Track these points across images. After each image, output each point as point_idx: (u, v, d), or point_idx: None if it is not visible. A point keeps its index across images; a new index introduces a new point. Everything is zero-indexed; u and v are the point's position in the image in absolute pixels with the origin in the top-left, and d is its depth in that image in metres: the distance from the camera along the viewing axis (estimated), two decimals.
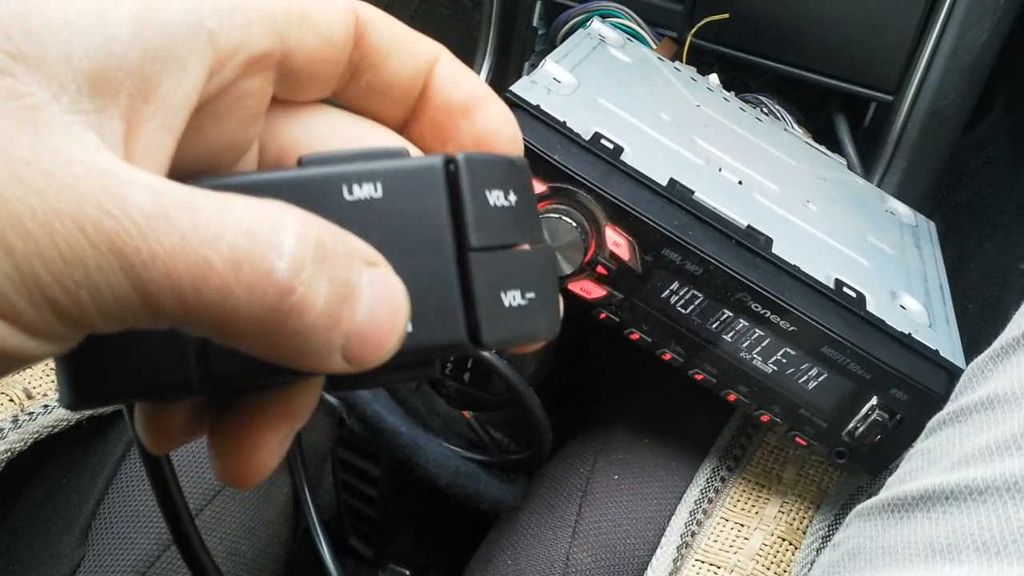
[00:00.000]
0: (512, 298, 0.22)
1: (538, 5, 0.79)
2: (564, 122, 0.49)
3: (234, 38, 0.21)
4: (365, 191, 0.21)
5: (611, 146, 0.49)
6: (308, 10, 0.23)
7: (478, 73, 0.80)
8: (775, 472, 0.51)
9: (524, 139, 0.47)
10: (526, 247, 0.23)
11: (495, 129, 0.25)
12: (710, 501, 0.50)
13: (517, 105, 0.48)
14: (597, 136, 0.49)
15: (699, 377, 0.49)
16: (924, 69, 0.66)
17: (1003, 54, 0.70)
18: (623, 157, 0.49)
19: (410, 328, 0.21)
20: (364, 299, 0.19)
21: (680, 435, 0.53)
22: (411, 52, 0.24)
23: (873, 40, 0.66)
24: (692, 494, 0.50)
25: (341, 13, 0.23)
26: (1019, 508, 0.27)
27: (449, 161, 0.22)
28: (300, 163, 0.22)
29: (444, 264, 0.21)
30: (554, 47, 0.73)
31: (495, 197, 0.22)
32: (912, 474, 0.34)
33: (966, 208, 1.10)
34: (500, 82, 0.81)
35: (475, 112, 0.25)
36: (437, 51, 0.25)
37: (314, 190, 0.21)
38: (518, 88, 0.50)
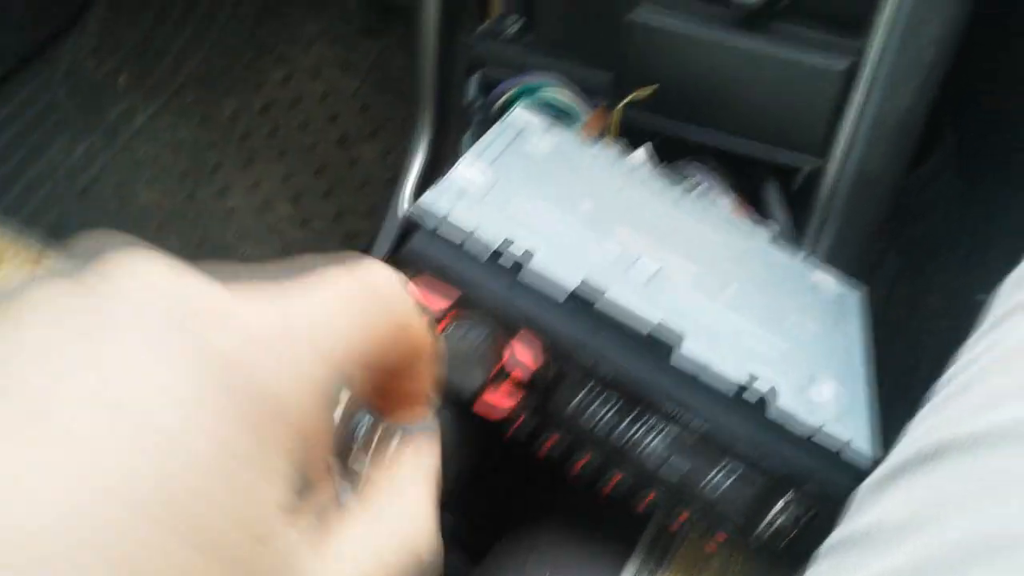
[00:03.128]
0: None
1: (474, 79, 0.80)
2: (471, 233, 0.50)
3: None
4: None
5: (519, 253, 0.50)
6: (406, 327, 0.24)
7: (416, 151, 0.81)
8: (698, 569, 0.52)
9: (426, 257, 0.48)
10: None
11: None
12: None
13: (420, 226, 0.49)
14: (506, 243, 0.50)
15: (615, 480, 0.50)
16: (850, 135, 0.66)
17: (950, 90, 0.71)
18: (532, 263, 0.49)
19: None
20: None
21: (607, 531, 0.54)
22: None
23: (797, 107, 0.67)
24: None
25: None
26: None
27: None
28: None
29: None
30: (493, 119, 0.74)
31: None
32: None
33: (921, 242, 1.11)
34: (440, 157, 0.82)
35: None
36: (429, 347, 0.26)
37: None
38: (426, 201, 0.51)
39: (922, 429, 0.39)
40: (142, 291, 0.20)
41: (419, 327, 0.25)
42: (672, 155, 0.73)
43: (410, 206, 0.80)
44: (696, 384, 0.48)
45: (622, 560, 0.52)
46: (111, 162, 1.40)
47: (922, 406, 0.42)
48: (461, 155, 0.76)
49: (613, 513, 0.55)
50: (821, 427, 0.48)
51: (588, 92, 0.73)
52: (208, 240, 1.34)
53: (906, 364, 1.06)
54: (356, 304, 0.23)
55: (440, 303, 0.48)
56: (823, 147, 0.67)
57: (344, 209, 1.38)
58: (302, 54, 1.46)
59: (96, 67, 1.46)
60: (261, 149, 1.43)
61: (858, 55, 0.63)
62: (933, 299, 1.08)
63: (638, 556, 0.52)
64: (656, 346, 0.48)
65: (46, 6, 1.46)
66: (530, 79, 0.75)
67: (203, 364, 0.19)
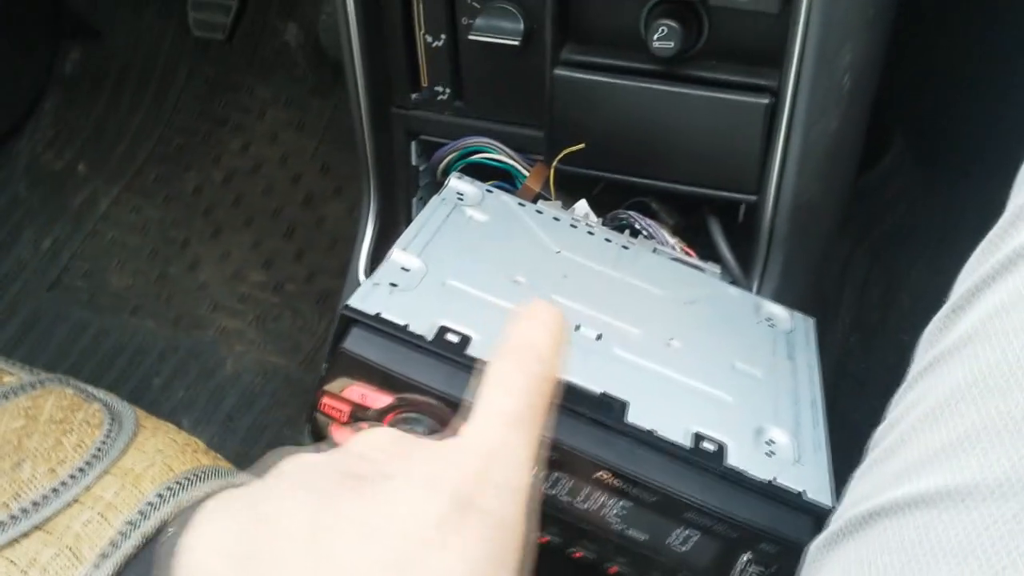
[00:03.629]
0: None
1: (414, 145, 0.80)
2: (406, 326, 0.50)
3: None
4: None
5: (456, 339, 0.50)
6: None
7: (366, 218, 0.81)
8: None
9: (362, 357, 0.48)
10: None
11: None
12: None
13: (355, 321, 0.49)
14: (443, 331, 0.50)
15: (578, 555, 0.50)
16: (779, 167, 0.66)
17: (893, 93, 0.71)
18: (469, 350, 0.49)
19: None
20: None
21: None
22: None
23: (726, 147, 0.67)
24: None
25: None
26: None
27: None
28: None
29: None
30: (439, 183, 0.75)
31: None
32: None
33: (889, 239, 1.11)
34: (390, 223, 0.82)
35: None
36: None
37: None
38: (357, 299, 0.51)
39: (859, 491, 0.39)
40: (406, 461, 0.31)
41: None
42: (615, 201, 0.74)
43: (364, 278, 0.80)
44: (648, 448, 0.48)
45: None
46: (79, 251, 1.40)
47: (865, 455, 0.42)
48: (413, 217, 0.77)
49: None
50: (774, 479, 0.48)
51: (524, 150, 0.74)
52: (183, 317, 1.34)
53: (888, 365, 1.06)
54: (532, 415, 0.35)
55: (383, 399, 0.49)
56: (757, 182, 0.67)
57: (316, 269, 1.38)
58: (257, 121, 1.47)
59: (54, 158, 1.47)
60: (227, 219, 1.43)
61: (776, 90, 0.63)
62: (906, 295, 1.09)
63: None
64: (602, 417, 0.49)
65: None
66: (467, 143, 0.75)
67: (473, 519, 0.28)
